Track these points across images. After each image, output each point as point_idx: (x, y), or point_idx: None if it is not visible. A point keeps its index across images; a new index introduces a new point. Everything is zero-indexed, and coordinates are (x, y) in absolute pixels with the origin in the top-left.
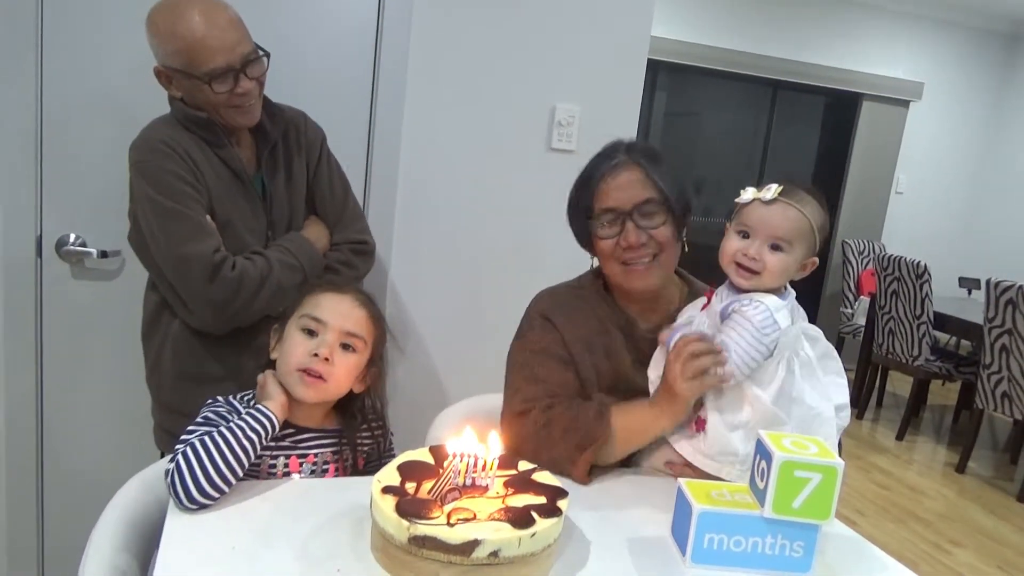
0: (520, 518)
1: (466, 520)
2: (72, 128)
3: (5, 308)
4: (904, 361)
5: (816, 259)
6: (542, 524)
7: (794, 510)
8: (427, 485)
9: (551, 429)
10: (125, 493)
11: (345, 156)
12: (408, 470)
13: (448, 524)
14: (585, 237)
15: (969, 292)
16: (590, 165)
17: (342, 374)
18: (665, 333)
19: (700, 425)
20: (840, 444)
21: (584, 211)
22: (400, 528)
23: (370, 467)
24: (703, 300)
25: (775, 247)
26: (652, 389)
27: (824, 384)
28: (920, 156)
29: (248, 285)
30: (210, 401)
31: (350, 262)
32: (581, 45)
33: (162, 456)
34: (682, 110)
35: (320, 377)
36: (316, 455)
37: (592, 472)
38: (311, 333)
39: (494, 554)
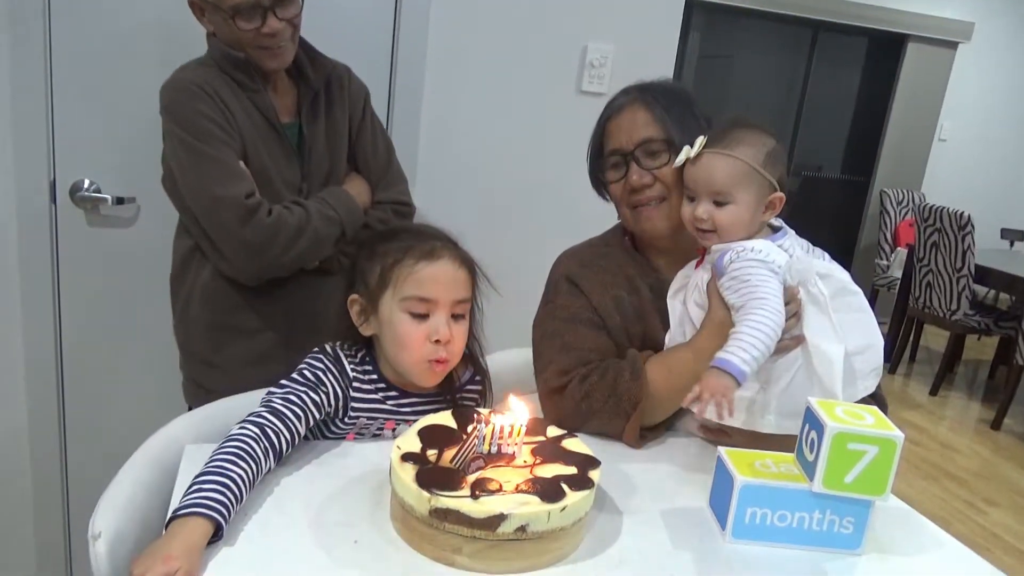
0: (549, 490)
1: (491, 492)
2: (83, 69)
3: (20, 256)
4: (941, 315)
5: (781, 195)
6: (572, 497)
7: (846, 485)
8: (450, 453)
9: (591, 401)
10: (146, 449)
11: None
12: (430, 436)
13: (472, 496)
14: (597, 181)
15: (1011, 244)
16: (605, 108)
17: (460, 345)
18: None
19: None
20: (882, 398)
21: (596, 154)
22: (421, 500)
23: None
24: (696, 259)
25: (718, 203)
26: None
27: (836, 324)
28: (966, 102)
29: (285, 232)
30: (316, 351)
31: (397, 215)
32: None
33: (190, 410)
34: (717, 53)
35: (445, 360)
36: (414, 421)
37: (644, 435)
38: (421, 316)
39: (521, 529)
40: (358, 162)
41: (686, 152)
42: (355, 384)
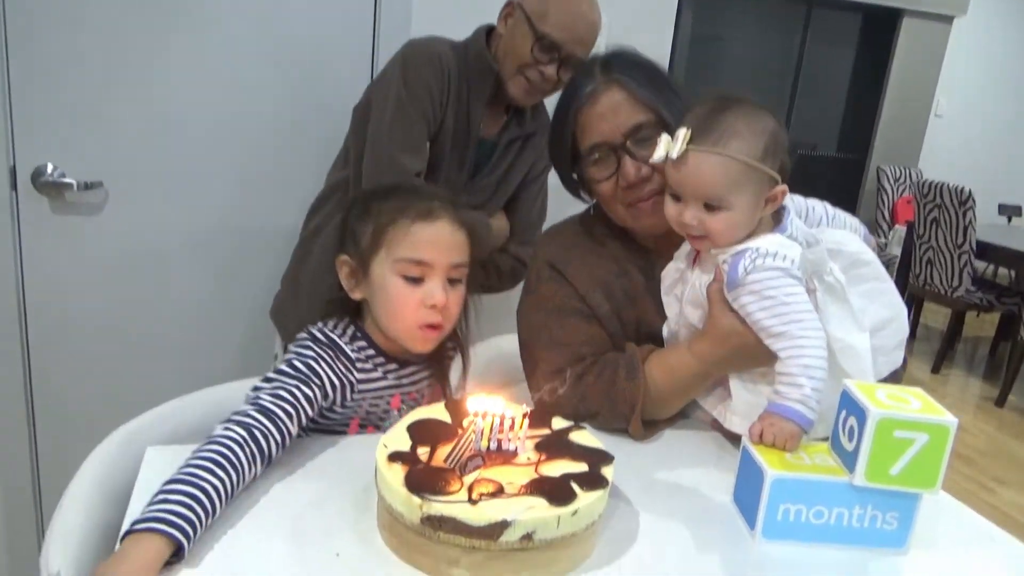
0: (558, 491)
1: (491, 495)
2: (42, 46)
3: None
4: (943, 292)
5: (783, 187)
6: (584, 498)
7: (892, 478)
8: (443, 450)
9: (588, 404)
10: (104, 449)
11: (345, 104)
12: (420, 431)
13: (470, 501)
14: (574, 183)
15: (1009, 219)
16: (563, 96)
17: (455, 312)
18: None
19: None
20: (905, 360)
21: (568, 153)
22: (411, 506)
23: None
24: (687, 247)
25: (709, 207)
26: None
27: (856, 309)
28: (962, 77)
29: None
30: (304, 337)
31: (513, 271)
32: None
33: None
34: (709, 33)
35: (439, 326)
36: (416, 391)
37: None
38: (415, 280)
39: (527, 537)
40: (512, 210)
41: (665, 146)
42: (358, 365)
